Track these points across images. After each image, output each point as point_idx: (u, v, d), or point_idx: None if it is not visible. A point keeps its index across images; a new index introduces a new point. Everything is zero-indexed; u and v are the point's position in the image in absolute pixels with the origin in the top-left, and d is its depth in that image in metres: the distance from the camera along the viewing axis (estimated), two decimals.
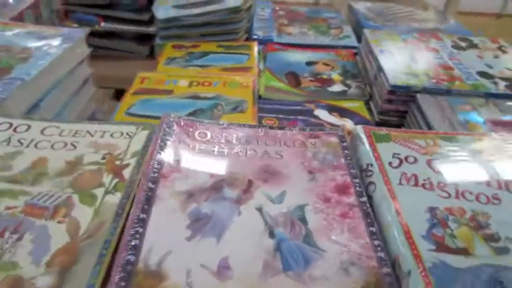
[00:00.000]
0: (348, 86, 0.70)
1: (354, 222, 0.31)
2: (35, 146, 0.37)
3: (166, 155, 0.35)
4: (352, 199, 0.32)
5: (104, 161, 0.36)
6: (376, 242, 0.29)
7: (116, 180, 0.34)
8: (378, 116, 0.63)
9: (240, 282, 0.26)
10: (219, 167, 0.35)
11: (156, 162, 0.34)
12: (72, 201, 0.32)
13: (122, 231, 0.29)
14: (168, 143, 0.37)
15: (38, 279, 0.26)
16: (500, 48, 0.73)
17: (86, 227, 0.30)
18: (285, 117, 0.55)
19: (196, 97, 0.61)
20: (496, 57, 0.70)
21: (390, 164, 0.36)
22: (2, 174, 0.34)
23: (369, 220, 0.31)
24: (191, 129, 0.39)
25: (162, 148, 0.36)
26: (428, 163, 0.36)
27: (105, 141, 0.38)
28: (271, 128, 0.41)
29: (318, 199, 0.32)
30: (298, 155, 0.37)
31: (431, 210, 0.32)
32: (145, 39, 0.82)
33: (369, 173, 0.35)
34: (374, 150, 0.37)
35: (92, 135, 0.39)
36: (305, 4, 1.12)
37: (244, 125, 0.41)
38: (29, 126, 0.40)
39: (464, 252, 0.29)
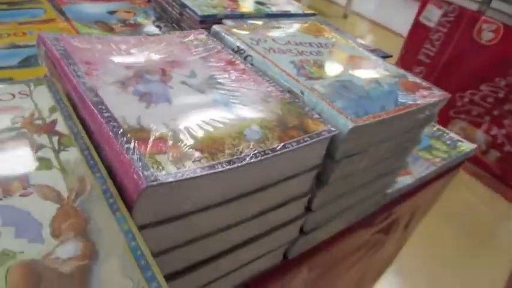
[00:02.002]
0: (159, 26, 0.77)
1: (253, 78, 0.41)
2: None
3: (76, 60, 0.35)
4: (241, 66, 0.42)
5: (18, 125, 0.30)
6: (273, 84, 0.40)
7: (56, 137, 0.29)
8: None
9: (201, 122, 0.32)
10: (128, 63, 0.38)
11: (71, 66, 0.34)
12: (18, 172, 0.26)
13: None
14: (68, 50, 0.36)
15: (58, 251, 0.22)
16: None
17: (65, 188, 0.26)
18: None
19: (16, 46, 0.55)
20: None
21: (251, 43, 0.47)
22: None
23: (258, 74, 0.42)
24: (77, 40, 0.39)
25: (67, 56, 0.35)
26: (273, 39, 0.50)
27: None
28: (149, 35, 0.45)
29: (219, 70, 0.41)
30: (183, 49, 0.43)
31: (292, 62, 0.45)
32: None
33: (241, 51, 0.46)
34: (237, 37, 0.48)
35: None
36: None
37: (126, 37, 0.43)
38: None
39: (321, 78, 0.43)
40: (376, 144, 0.42)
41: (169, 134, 0.29)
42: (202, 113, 0.33)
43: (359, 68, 0.48)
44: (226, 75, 0.40)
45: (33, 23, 0.64)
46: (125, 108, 0.31)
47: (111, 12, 0.77)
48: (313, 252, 0.50)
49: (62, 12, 0.72)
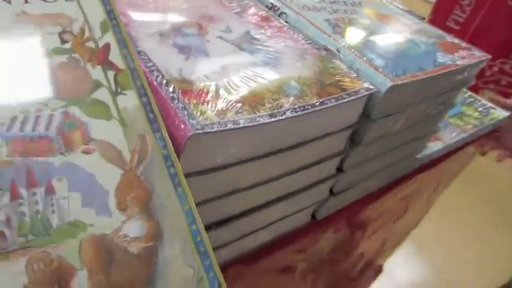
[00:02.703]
0: None
1: (288, 35, 0.40)
2: None
3: None
4: (275, 23, 0.41)
5: (68, 45, 0.24)
6: (309, 42, 0.40)
7: (112, 72, 0.24)
8: None
9: (240, 76, 0.32)
10: (164, 17, 0.37)
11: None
12: (76, 118, 0.22)
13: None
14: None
15: (126, 228, 0.20)
16: None
17: (126, 148, 0.22)
18: None
19: None
20: None
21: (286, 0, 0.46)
22: None
23: (294, 31, 0.41)
24: None
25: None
26: None
27: (36, 11, 0.24)
28: None
29: (254, 26, 0.40)
30: (218, 4, 0.42)
31: (327, 20, 0.44)
32: None
33: (275, 8, 0.45)
34: None
35: (9, 1, 0.23)
36: None
37: None
38: None
39: (356, 35, 0.42)
40: (412, 105, 0.41)
41: (210, 86, 0.29)
42: (240, 67, 0.33)
43: (395, 27, 0.47)
44: (262, 31, 0.39)
45: None
46: (166, 59, 0.31)
47: None
48: (340, 214, 0.51)
49: None
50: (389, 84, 0.35)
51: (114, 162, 0.21)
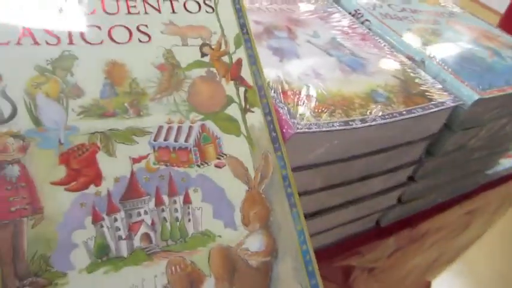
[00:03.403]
0: None
1: (373, 43, 0.41)
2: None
3: None
4: (360, 30, 0.42)
5: (207, 59, 0.25)
6: (393, 51, 0.40)
7: (243, 88, 0.25)
8: None
9: (333, 80, 0.33)
10: (256, 19, 0.39)
11: None
12: (210, 132, 0.23)
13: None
14: None
15: (247, 243, 0.22)
16: None
17: (252, 165, 0.24)
18: None
19: None
20: None
21: (368, 7, 0.47)
22: (75, 102, 0.21)
23: (378, 39, 0.41)
24: None
25: None
26: (388, 6, 0.49)
27: (181, 21, 0.25)
28: None
29: (340, 32, 0.41)
30: (304, 8, 0.44)
31: (409, 29, 0.44)
32: None
33: (359, 15, 0.46)
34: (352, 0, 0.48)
35: (159, 10, 0.25)
36: None
37: None
38: None
39: (440, 47, 0.42)
40: (495, 119, 0.41)
41: (305, 87, 0.31)
42: (330, 71, 0.34)
43: (479, 40, 0.46)
44: (348, 38, 0.40)
45: None
46: (262, 60, 0.33)
47: None
48: (403, 223, 0.50)
49: None
50: (476, 97, 0.35)
51: (241, 178, 0.23)
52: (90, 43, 0.23)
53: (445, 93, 0.36)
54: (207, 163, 0.23)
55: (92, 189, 0.20)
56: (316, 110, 0.29)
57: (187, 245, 0.21)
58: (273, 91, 0.29)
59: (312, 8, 0.45)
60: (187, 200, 0.22)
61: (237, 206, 0.23)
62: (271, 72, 0.32)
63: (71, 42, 0.22)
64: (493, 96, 0.37)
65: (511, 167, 0.57)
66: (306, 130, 0.27)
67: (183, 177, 0.22)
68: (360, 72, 0.36)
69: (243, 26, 0.27)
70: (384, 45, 0.41)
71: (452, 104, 0.35)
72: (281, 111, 0.27)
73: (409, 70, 0.38)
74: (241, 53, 0.27)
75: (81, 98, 0.21)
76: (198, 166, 0.22)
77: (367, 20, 0.45)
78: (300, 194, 0.33)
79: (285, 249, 0.23)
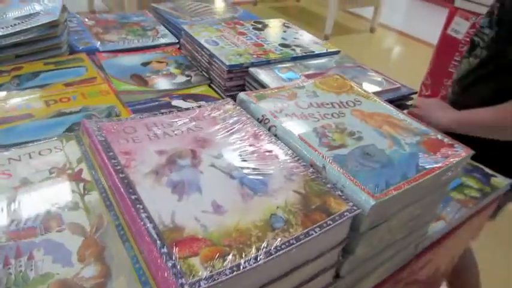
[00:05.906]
0: (189, 75, 0.81)
1: (278, 152, 0.43)
2: None
3: (116, 151, 0.39)
4: (266, 139, 0.45)
5: (54, 175, 0.39)
6: (297, 159, 0.42)
7: (82, 184, 0.38)
8: (224, 93, 0.76)
9: (233, 211, 0.35)
10: (161, 147, 0.41)
11: (112, 159, 0.37)
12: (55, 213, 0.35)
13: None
14: (109, 140, 0.40)
15: (83, 272, 0.30)
16: (284, 25, 0.97)
17: (88, 224, 0.34)
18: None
19: (62, 114, 0.60)
20: (285, 31, 0.93)
21: (275, 111, 0.49)
22: None
23: (283, 146, 0.44)
24: (116, 126, 0.43)
25: (107, 147, 0.39)
26: (296, 104, 0.52)
27: (39, 162, 0.40)
28: (179, 110, 0.48)
29: (244, 147, 0.43)
30: (211, 123, 0.46)
31: (314, 129, 0.47)
32: None
33: (266, 121, 0.48)
34: (261, 105, 0.50)
35: (19, 160, 0.39)
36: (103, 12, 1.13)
37: (155, 113, 0.47)
38: None
39: (343, 146, 0.45)
40: (400, 211, 0.43)
41: (201, 230, 0.32)
42: (230, 201, 0.36)
43: (382, 127, 0.49)
44: (252, 152, 0.42)
45: (77, 84, 0.69)
46: (160, 204, 0.34)
47: (145, 64, 0.82)
48: None
49: (102, 68, 0.78)
50: (372, 202, 0.38)
51: (78, 233, 0.34)
52: None
53: (343, 202, 0.38)
54: (49, 231, 0.34)
55: None
56: (209, 259, 0.30)
57: (28, 286, 0.30)
58: (161, 245, 0.30)
59: (220, 120, 0.47)
60: (30, 257, 0.31)
61: (75, 251, 0.32)
62: (166, 218, 0.33)
63: None
64: (390, 196, 0.39)
65: (442, 229, 0.59)
66: None
67: (27, 244, 0.32)
68: (262, 193, 0.37)
69: (85, 153, 0.43)
70: (288, 154, 0.43)
71: (351, 215, 0.37)
72: (169, 270, 0.28)
73: (310, 180, 0.40)
74: (82, 165, 0.41)
75: None
76: (42, 235, 0.33)
77: (273, 126, 0.47)
78: None
79: (119, 271, 0.31)
